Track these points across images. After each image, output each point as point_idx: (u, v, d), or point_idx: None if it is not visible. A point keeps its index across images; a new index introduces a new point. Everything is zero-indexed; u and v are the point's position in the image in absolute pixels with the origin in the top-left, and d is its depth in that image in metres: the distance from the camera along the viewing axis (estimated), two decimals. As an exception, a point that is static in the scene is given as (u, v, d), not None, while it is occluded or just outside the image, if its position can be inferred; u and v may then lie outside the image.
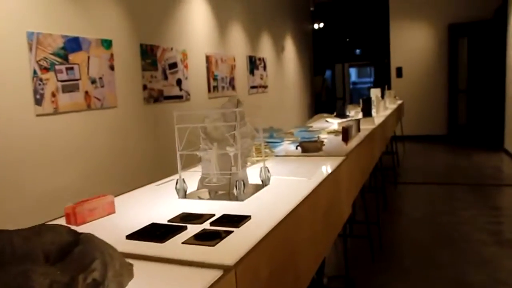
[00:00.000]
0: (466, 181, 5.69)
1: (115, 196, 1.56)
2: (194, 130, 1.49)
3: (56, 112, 3.16)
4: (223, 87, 5.90)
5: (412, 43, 9.45)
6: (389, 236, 3.76)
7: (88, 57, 3.47)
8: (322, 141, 2.38)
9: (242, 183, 1.35)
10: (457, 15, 8.93)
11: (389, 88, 7.45)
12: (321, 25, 11.30)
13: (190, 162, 1.72)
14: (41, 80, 3.04)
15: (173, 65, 4.70)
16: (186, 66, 4.94)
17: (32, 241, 0.70)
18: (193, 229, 1.09)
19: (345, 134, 2.47)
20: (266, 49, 7.72)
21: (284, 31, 8.84)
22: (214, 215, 1.21)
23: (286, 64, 8.91)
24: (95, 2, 3.57)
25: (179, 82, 4.79)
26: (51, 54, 3.13)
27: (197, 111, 1.35)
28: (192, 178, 1.59)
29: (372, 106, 4.24)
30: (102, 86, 3.61)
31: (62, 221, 1.21)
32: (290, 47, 9.20)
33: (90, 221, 1.21)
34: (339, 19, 11.88)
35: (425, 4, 9.24)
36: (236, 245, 0.97)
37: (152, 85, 4.31)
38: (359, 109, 4.30)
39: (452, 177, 6.12)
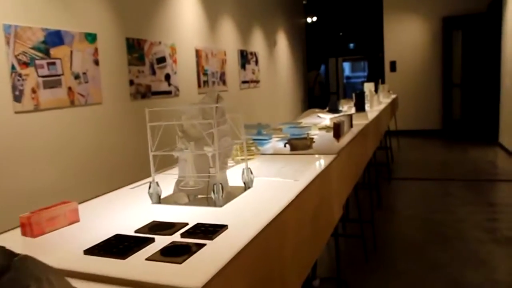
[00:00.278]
0: (461, 176, 5.61)
1: (88, 200, 1.44)
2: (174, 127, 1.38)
3: (37, 109, 3.03)
4: (213, 82, 5.77)
5: (406, 36, 9.34)
6: (383, 234, 3.66)
7: (71, 52, 3.34)
8: (312, 138, 2.27)
9: (220, 186, 1.22)
10: (451, 8, 8.83)
11: (383, 82, 7.37)
12: (314, 19, 11.17)
13: (173, 162, 1.59)
14: (20, 75, 2.91)
15: (161, 60, 4.56)
16: (175, 61, 4.80)
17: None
18: (161, 241, 0.97)
19: (337, 130, 2.37)
20: (258, 43, 7.57)
21: (276, 25, 8.69)
22: (187, 224, 1.08)
23: (279, 58, 8.77)
24: (77, -6, 3.42)
25: (167, 77, 4.65)
26: (31, 48, 3.00)
27: (173, 107, 1.22)
28: (171, 181, 1.46)
29: (366, 101, 4.14)
30: (86, 82, 3.48)
31: (18, 232, 1.09)
32: (282, 41, 9.06)
33: (50, 232, 1.09)
34: (332, 13, 11.76)
35: (419, -3, 9.14)
36: (207, 262, 0.85)
37: (139, 80, 4.18)
38: (352, 103, 4.20)
39: (446, 172, 6.04)
